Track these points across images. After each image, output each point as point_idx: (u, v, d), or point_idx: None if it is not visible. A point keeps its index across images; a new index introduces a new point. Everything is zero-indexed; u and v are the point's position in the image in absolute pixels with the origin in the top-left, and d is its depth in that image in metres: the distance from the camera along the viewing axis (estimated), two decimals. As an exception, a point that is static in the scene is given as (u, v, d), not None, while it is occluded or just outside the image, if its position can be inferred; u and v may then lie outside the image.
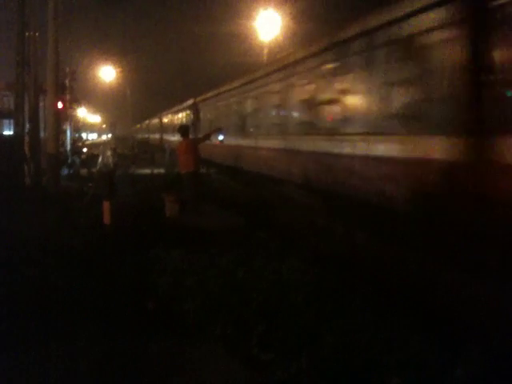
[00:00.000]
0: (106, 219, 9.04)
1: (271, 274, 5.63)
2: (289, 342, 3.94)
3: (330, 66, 9.45)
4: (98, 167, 9.86)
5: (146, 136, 53.12)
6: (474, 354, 3.55)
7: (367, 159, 7.64)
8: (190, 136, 11.06)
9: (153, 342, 4.09)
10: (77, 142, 28.81)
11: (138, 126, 67.63)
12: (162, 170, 19.19)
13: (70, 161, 20.49)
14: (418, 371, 3.49)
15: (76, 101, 25.30)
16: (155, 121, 45.79)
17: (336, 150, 8.79)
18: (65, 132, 22.47)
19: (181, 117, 28.66)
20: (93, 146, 34.81)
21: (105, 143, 10.63)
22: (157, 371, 3.67)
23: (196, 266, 6.02)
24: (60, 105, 16.32)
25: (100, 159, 9.68)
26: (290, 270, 5.77)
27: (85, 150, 26.58)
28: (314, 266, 5.90)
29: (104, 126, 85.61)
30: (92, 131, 76.92)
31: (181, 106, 28.71)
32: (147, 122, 55.58)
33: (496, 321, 4.26)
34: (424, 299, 4.86)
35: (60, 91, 17.12)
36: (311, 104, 10.26)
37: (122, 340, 4.12)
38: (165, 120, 37.62)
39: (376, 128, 7.53)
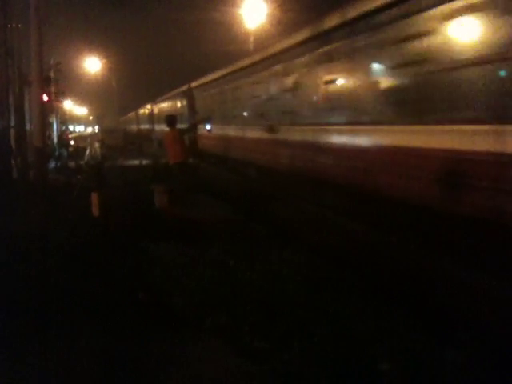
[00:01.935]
0: (95, 211, 9.02)
1: (263, 265, 5.67)
2: (282, 331, 3.99)
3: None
4: (85, 159, 9.84)
5: (150, 127, 39.07)
6: (465, 341, 3.62)
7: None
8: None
9: (147, 336, 4.12)
10: (63, 134, 28.62)
11: (132, 114, 56.64)
12: (150, 161, 19.14)
13: (57, 153, 20.37)
14: (411, 358, 3.55)
15: (61, 92, 25.07)
16: (166, 104, 31.01)
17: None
18: (51, 124, 22.31)
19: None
20: (80, 138, 34.55)
21: (92, 135, 10.63)
22: (154, 365, 3.71)
23: (187, 259, 6.03)
24: (45, 97, 16.20)
25: (88, 151, 9.67)
26: (281, 261, 5.81)
27: (72, 142, 26.44)
28: (307, 257, 5.96)
29: (91, 117, 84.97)
30: (79, 123, 76.28)
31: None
32: (148, 107, 40.89)
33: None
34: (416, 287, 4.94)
35: (45, 83, 17.00)
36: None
37: (113, 335, 4.15)
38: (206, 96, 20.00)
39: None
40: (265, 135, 12.15)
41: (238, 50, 24.28)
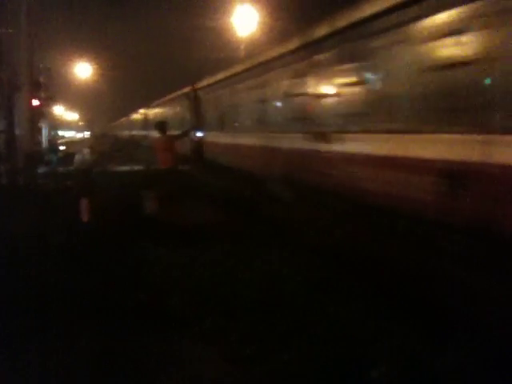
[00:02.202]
0: (84, 217, 9.02)
1: (255, 267, 5.72)
2: (281, 332, 4.02)
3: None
4: (75, 165, 9.80)
5: (143, 133, 36.44)
6: (464, 341, 3.65)
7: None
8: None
9: (147, 336, 4.14)
10: (52, 139, 28.53)
11: (124, 119, 55.57)
12: (141, 167, 19.10)
13: (47, 159, 20.32)
14: (411, 359, 3.58)
15: (52, 98, 24.99)
16: (163, 109, 29.10)
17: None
18: (41, 130, 22.24)
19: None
20: (70, 143, 34.33)
21: (82, 141, 10.60)
22: (154, 365, 3.73)
23: (181, 262, 6.06)
24: (35, 102, 16.13)
25: (77, 157, 9.65)
26: (274, 263, 5.86)
27: (61, 148, 26.34)
28: (299, 259, 6.02)
29: (82, 123, 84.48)
30: (69, 129, 75.79)
31: None
32: (141, 112, 38.92)
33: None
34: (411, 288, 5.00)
35: (35, 88, 16.95)
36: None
37: (113, 335, 4.16)
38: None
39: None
40: (313, 146, 9.43)
41: (233, 58, 24.35)
